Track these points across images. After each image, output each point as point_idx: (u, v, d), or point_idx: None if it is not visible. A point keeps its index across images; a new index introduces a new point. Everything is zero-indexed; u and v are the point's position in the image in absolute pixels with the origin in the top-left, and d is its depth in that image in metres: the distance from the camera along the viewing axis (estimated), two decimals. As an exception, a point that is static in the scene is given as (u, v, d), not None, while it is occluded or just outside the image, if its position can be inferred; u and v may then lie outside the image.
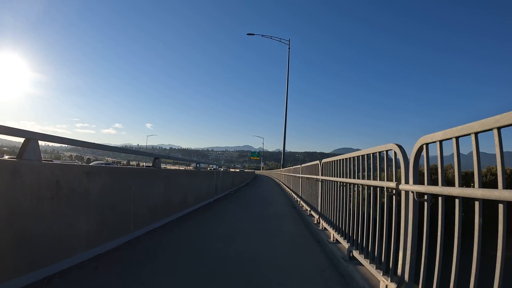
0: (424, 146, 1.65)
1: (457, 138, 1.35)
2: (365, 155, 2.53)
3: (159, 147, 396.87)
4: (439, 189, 1.44)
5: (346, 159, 3.10)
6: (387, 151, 2.15)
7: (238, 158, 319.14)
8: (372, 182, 2.34)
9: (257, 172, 51.27)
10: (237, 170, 23.62)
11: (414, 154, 1.74)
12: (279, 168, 24.84)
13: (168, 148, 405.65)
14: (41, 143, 2.36)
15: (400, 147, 1.97)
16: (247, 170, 37.33)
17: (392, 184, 1.95)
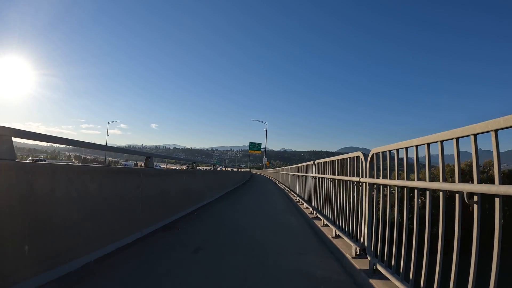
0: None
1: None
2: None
3: (163, 147, 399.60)
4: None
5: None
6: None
7: (243, 157, 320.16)
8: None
9: (257, 171, 45.24)
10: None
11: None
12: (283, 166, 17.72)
13: (172, 148, 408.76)
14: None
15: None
16: (241, 170, 30.46)
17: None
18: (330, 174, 4.05)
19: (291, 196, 9.60)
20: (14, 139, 1.99)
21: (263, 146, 47.51)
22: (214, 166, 11.38)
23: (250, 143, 49.10)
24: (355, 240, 2.90)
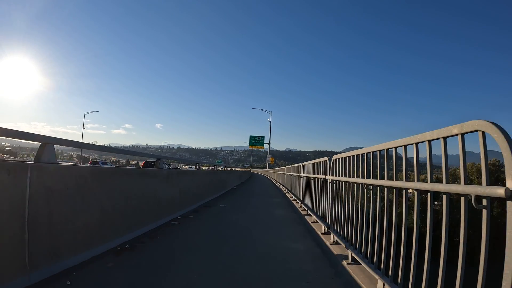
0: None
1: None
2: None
3: (167, 147, 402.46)
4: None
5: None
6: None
7: (247, 157, 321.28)
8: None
9: (259, 171, 41.11)
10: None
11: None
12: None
13: (176, 147, 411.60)
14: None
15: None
16: (239, 169, 24.30)
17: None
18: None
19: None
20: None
21: (266, 140, 36.26)
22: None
23: (250, 136, 36.19)
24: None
